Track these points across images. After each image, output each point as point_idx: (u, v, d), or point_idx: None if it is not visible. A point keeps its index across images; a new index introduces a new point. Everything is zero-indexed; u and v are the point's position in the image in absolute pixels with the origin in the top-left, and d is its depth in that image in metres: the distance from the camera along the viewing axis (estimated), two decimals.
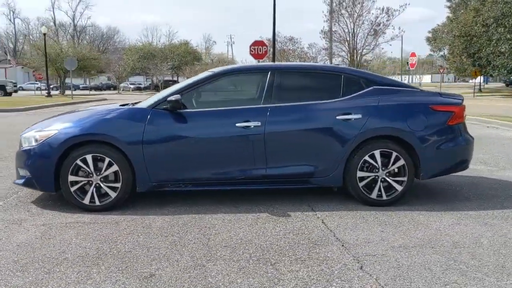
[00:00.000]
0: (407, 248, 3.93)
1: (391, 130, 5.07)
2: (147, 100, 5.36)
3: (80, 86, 68.08)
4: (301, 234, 4.28)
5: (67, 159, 4.90)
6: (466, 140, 5.32)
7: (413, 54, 21.15)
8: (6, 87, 36.13)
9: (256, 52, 19.50)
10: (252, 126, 4.96)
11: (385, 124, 5.07)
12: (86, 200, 4.95)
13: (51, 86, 58.41)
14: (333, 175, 5.10)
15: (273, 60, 21.77)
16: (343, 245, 3.99)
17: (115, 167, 4.92)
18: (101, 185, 4.94)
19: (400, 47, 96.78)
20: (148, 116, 4.98)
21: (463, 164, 5.39)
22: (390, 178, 5.09)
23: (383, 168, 5.07)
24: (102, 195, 4.97)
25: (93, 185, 4.94)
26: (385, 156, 5.07)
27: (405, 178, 5.09)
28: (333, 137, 5.03)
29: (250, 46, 19.75)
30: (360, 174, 5.07)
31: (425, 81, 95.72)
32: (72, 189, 4.93)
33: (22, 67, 65.95)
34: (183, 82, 5.49)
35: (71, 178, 4.91)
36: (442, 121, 5.14)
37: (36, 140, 5.02)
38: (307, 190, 5.65)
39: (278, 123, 5.02)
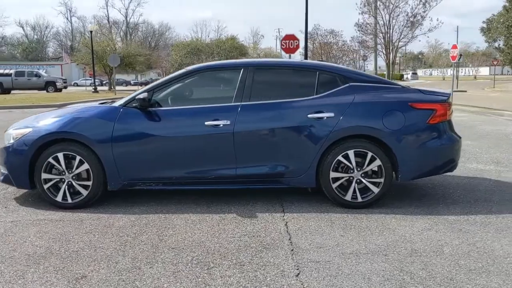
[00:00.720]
0: (358, 255, 3.72)
1: (366, 129, 4.83)
2: (123, 99, 5.35)
3: (132, 81, 69.96)
4: (257, 237, 4.14)
5: (40, 156, 4.97)
6: (451, 139, 5.00)
7: (454, 46, 20.17)
8: (56, 83, 37.64)
9: (287, 46, 19.26)
10: (221, 125, 4.85)
11: (359, 123, 4.83)
12: (59, 198, 5.01)
13: (104, 82, 60.34)
14: (305, 176, 4.92)
15: (305, 55, 21.42)
16: (292, 250, 3.83)
17: (86, 165, 4.95)
18: (73, 183, 4.99)
19: (455, 38, 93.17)
20: (118, 115, 4.98)
21: (449, 165, 5.06)
22: (366, 179, 4.85)
23: (358, 169, 4.84)
24: (75, 193, 5.01)
25: (65, 183, 4.99)
26: (360, 156, 4.84)
27: (381, 180, 4.84)
28: (304, 137, 4.84)
29: (282, 40, 19.53)
30: (333, 174, 4.87)
31: (483, 73, 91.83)
32: (46, 186, 5.00)
33: (77, 64, 68.46)
34: (159, 80, 5.44)
35: (44, 175, 4.99)
36: (422, 119, 4.85)
37: (13, 138, 5.12)
38: (288, 190, 5.48)
39: (248, 122, 4.89)
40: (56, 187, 5.02)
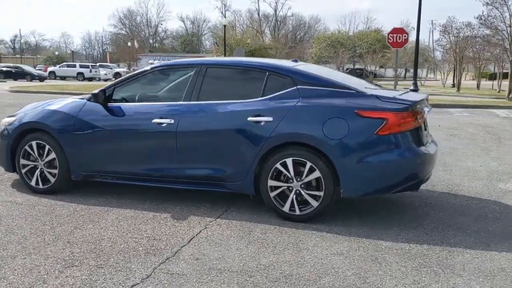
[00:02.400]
0: (223, 272, 3.45)
1: (303, 136, 4.40)
2: None
3: None
4: (156, 240, 4.06)
5: (20, 144, 5.43)
6: (409, 153, 4.32)
7: None
8: None
9: (394, 40, 18.06)
10: (165, 124, 4.81)
11: (296, 130, 4.42)
12: (33, 183, 5.41)
13: None
14: (244, 182, 4.65)
15: (416, 51, 19.68)
16: (167, 259, 3.69)
17: (53, 155, 5.28)
18: (44, 170, 5.36)
19: None
20: (81, 108, 5.21)
21: (408, 182, 4.37)
22: (305, 191, 4.44)
23: (298, 179, 4.45)
24: (46, 179, 5.38)
25: (39, 169, 5.38)
26: (301, 166, 4.43)
27: (321, 193, 4.38)
28: (241, 140, 4.58)
29: (389, 34, 18.38)
30: (271, 183, 4.54)
31: None
32: (23, 171, 5.45)
33: (218, 56, 72.18)
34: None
35: (22, 161, 5.43)
36: (369, 129, 4.26)
37: (3, 125, 5.66)
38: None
39: (190, 122, 4.77)
40: (32, 172, 5.43)
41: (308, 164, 4.38)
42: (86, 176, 5.28)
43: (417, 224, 4.54)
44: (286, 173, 4.47)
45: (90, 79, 44.25)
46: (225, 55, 36.62)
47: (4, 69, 41.81)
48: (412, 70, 50.63)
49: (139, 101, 5.26)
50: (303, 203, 4.47)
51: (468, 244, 4.03)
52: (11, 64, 45.84)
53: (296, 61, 5.31)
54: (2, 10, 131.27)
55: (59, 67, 47.97)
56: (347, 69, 61.25)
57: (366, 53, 53.06)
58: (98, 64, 52.07)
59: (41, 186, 5.37)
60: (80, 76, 44.69)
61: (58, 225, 4.41)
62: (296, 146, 4.46)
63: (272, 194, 4.55)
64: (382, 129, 4.23)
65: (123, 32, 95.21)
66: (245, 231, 4.30)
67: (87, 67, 46.78)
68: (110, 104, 5.13)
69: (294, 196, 4.47)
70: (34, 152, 5.35)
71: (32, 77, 39.80)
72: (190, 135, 4.76)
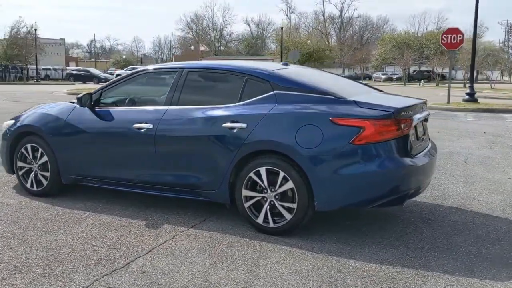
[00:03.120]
0: (162, 287, 3.27)
1: (275, 144, 4.12)
2: None
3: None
4: (116, 250, 3.94)
5: (17, 146, 5.52)
6: (391, 163, 3.92)
7: None
8: None
9: (448, 41, 17.06)
10: (144, 129, 4.70)
11: (269, 137, 4.15)
12: (28, 185, 5.48)
13: None
14: (219, 191, 4.44)
15: (473, 52, 18.44)
16: (114, 270, 3.55)
17: (45, 158, 5.32)
18: (38, 173, 5.41)
19: None
20: (70, 112, 5.21)
21: (390, 196, 3.98)
22: (279, 202, 4.16)
23: (272, 189, 4.18)
24: (40, 182, 5.43)
25: (33, 172, 5.44)
26: (274, 175, 4.16)
27: (294, 205, 4.09)
28: (215, 147, 4.38)
29: (442, 35, 17.43)
30: (246, 192, 4.29)
31: None
32: (20, 173, 5.54)
33: (275, 59, 71.81)
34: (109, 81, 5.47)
35: (19, 163, 5.52)
36: (344, 138, 3.92)
37: (4, 128, 5.79)
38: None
39: (168, 127, 4.63)
40: (28, 175, 5.50)
41: (281, 174, 4.10)
42: (75, 180, 5.27)
43: (402, 242, 4.13)
44: (260, 182, 4.21)
45: None
46: (281, 57, 36.44)
47: (74, 72, 44.01)
48: (484, 72, 48.34)
49: (125, 105, 5.18)
50: (278, 215, 4.20)
51: (449, 269, 3.60)
52: (81, 68, 48.21)
53: (286, 64, 5.03)
54: (81, 16, 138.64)
55: (125, 70, 49.73)
56: (414, 71, 59.30)
57: (434, 55, 51.04)
58: None
59: (35, 188, 5.43)
60: None
61: (32, 229, 4.40)
62: (270, 155, 4.20)
63: (247, 205, 4.31)
64: (358, 138, 3.88)
65: (190, 35, 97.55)
66: (211, 243, 4.08)
67: None
68: (97, 108, 5.09)
69: (268, 207, 4.21)
70: (29, 155, 5.42)
71: (98, 80, 41.57)
72: (167, 140, 4.62)
